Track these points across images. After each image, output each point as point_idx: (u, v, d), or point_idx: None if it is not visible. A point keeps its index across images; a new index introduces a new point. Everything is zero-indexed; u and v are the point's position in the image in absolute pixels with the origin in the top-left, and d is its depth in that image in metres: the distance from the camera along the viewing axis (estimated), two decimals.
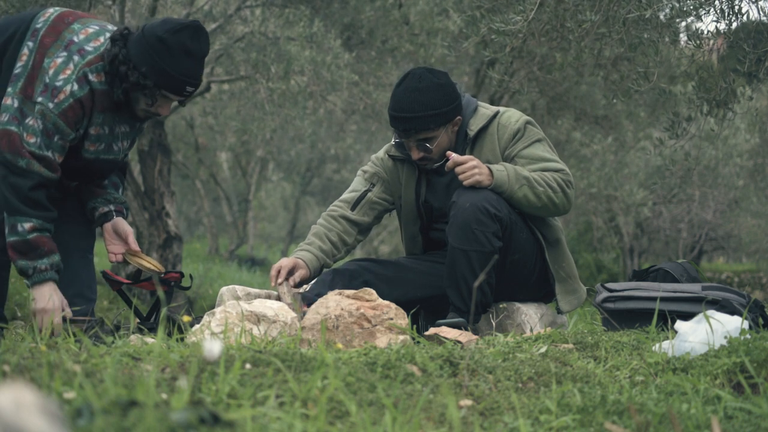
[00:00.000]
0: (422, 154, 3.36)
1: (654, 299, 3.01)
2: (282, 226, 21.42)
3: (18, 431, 1.04)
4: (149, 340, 2.63)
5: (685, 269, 3.38)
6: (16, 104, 3.10)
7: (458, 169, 3.21)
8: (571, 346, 2.61)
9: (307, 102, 8.26)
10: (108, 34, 3.19)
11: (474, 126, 3.39)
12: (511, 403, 1.97)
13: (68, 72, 3.09)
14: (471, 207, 3.15)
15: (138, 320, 3.42)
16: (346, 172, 18.53)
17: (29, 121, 3.08)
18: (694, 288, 3.06)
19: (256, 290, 3.25)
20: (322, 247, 3.46)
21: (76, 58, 3.11)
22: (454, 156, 3.22)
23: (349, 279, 3.38)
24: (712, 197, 14.02)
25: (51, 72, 3.09)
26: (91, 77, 3.12)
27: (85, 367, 1.84)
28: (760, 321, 2.95)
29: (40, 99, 3.08)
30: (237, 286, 3.25)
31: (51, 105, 3.07)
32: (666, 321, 2.96)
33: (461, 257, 3.17)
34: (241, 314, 2.74)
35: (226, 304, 2.85)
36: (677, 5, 4.39)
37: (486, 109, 3.43)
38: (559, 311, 3.41)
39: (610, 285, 3.21)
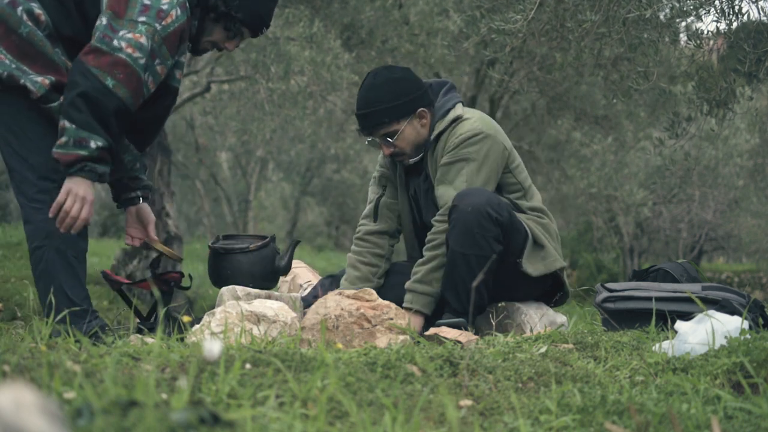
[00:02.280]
0: (392, 150, 3.39)
1: (654, 299, 3.01)
2: (282, 226, 21.44)
3: (18, 431, 1.04)
4: (149, 340, 2.63)
5: (685, 269, 3.38)
6: (104, 21, 2.97)
7: None
8: (571, 346, 2.61)
9: (307, 102, 8.26)
10: None
11: (436, 129, 3.41)
12: (511, 403, 1.97)
13: None
14: (473, 211, 3.14)
15: (138, 320, 3.42)
16: (346, 172, 18.55)
17: (127, 33, 2.95)
18: (694, 288, 3.06)
19: (256, 290, 3.25)
20: (357, 276, 3.52)
21: None
22: None
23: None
24: (712, 197, 14.03)
25: None
26: (187, 5, 3.08)
27: (85, 367, 1.84)
28: (760, 321, 2.95)
29: (143, 18, 2.96)
30: (237, 286, 3.25)
31: (158, 26, 2.98)
32: (666, 321, 2.96)
33: (461, 261, 3.17)
34: (241, 314, 2.74)
35: (226, 304, 2.85)
36: (677, 5, 4.39)
37: (454, 113, 3.41)
38: (519, 266, 3.31)
39: (610, 285, 3.21)
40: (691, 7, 4.37)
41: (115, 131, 3.01)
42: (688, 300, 2.98)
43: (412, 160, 3.42)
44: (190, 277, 3.52)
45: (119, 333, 3.25)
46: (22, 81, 2.96)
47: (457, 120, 3.39)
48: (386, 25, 7.63)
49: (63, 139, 2.97)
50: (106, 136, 2.97)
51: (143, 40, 2.97)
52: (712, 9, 4.36)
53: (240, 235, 3.54)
